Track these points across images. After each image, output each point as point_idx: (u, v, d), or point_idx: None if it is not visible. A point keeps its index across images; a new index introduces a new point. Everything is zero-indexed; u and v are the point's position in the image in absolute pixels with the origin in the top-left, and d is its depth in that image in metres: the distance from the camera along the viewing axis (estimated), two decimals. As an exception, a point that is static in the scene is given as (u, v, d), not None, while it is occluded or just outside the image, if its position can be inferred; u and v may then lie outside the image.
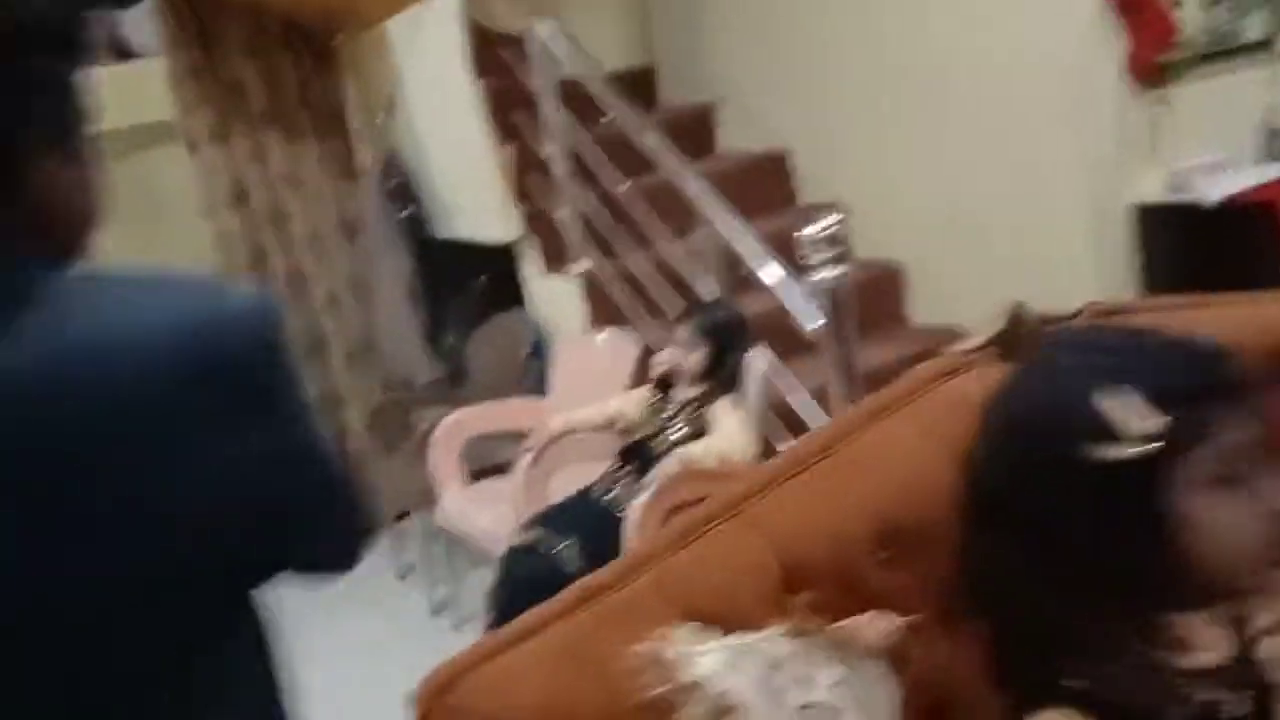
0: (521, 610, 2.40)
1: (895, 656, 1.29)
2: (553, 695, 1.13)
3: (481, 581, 3.42)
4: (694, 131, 3.81)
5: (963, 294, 3.51)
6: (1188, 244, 3.07)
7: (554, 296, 3.71)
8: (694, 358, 2.65)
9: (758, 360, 2.67)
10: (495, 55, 3.65)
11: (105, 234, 0.84)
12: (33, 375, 0.69)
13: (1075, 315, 1.87)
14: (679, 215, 3.24)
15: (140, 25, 4.30)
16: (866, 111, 3.64)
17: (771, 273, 2.53)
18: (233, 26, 3.99)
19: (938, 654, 1.45)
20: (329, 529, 0.89)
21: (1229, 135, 3.16)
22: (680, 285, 3.24)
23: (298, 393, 0.81)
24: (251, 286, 0.83)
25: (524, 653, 1.17)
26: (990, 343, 1.75)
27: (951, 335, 3.53)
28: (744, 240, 2.65)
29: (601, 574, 1.30)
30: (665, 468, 2.36)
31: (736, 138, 4.18)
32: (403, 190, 4.09)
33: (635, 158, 3.46)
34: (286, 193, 4.20)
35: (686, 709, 1.05)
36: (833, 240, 2.35)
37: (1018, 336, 1.77)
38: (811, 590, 1.31)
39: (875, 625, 1.29)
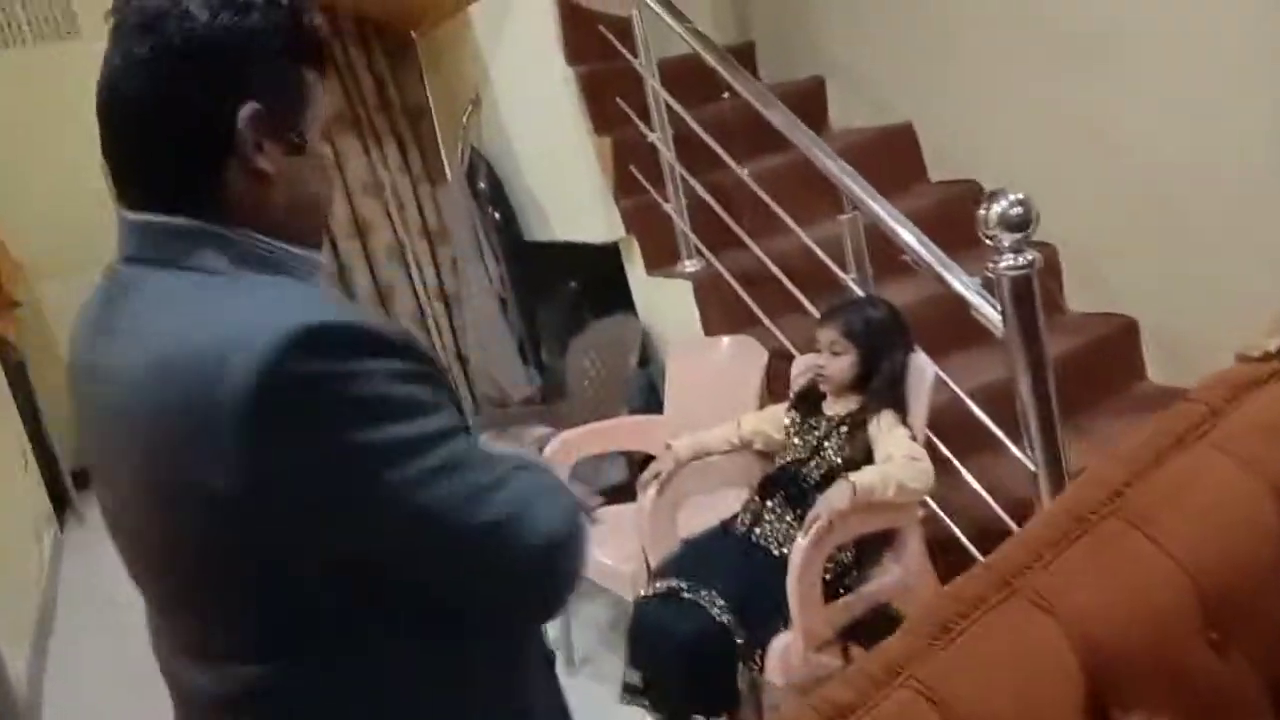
0: (667, 669, 2.07)
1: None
2: None
3: (596, 620, 3.10)
4: (805, 108, 3.42)
5: (1130, 281, 3.09)
6: None
7: (661, 299, 3.36)
8: (841, 365, 2.27)
9: (922, 364, 2.28)
10: (589, 38, 3.31)
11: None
12: (114, 368, 0.82)
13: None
14: (799, 201, 2.88)
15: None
16: (1004, 80, 3.24)
17: (938, 261, 2.16)
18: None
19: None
20: (471, 580, 0.86)
21: None
22: (806, 281, 2.86)
23: (359, 430, 0.77)
24: (338, 307, 0.82)
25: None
26: (1297, 341, 1.36)
27: (1121, 325, 3.13)
28: (898, 224, 2.27)
29: (840, 687, 0.94)
30: (832, 500, 1.98)
31: (848, 114, 3.81)
32: (492, 192, 3.78)
33: (745, 142, 3.11)
34: (367, 202, 3.93)
35: None
36: (1017, 224, 1.97)
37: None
38: (1133, 699, 0.95)
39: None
